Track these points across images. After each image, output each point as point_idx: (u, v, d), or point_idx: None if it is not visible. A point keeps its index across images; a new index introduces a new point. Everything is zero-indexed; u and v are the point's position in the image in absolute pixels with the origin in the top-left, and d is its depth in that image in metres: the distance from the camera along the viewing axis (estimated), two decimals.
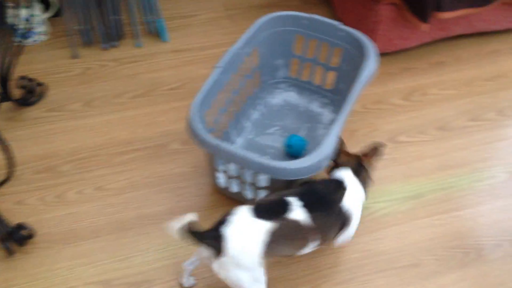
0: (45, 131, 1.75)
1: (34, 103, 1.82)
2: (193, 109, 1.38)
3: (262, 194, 1.46)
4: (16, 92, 1.80)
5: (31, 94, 1.82)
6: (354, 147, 1.71)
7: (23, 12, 1.94)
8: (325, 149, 1.31)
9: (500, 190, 1.64)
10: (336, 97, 1.82)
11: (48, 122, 1.78)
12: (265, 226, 1.18)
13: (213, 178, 1.55)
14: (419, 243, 1.49)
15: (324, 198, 1.29)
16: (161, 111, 1.82)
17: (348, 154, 1.41)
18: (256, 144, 1.70)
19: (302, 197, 1.25)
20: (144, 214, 1.54)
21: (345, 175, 1.35)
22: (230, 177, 1.48)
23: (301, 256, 1.41)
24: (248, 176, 1.43)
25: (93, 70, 1.95)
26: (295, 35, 1.75)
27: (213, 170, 1.51)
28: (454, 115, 1.86)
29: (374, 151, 1.42)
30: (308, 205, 1.24)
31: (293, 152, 1.65)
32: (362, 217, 1.54)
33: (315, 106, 1.84)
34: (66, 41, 2.03)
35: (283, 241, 1.21)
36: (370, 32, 1.95)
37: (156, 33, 2.09)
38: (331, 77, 1.82)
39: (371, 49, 1.62)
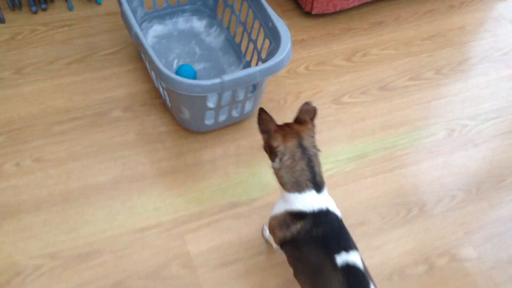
0: None
1: None
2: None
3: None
4: None
5: None
6: None
7: None
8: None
9: (440, 147, 1.70)
10: (195, 5, 1.89)
11: None
12: None
13: (201, 122, 1.56)
14: (365, 202, 1.53)
15: (341, 231, 1.13)
16: (99, 78, 1.74)
17: (284, 135, 1.14)
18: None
19: (336, 250, 1.08)
20: (88, 184, 1.49)
21: (319, 199, 1.13)
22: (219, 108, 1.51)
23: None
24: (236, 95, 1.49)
25: (22, 35, 1.83)
26: None
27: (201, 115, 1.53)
28: (394, 75, 1.89)
29: (310, 112, 1.19)
30: (345, 248, 1.09)
31: None
32: None
33: (181, 24, 1.87)
34: None
35: None
36: None
37: None
38: None
39: None
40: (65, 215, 1.42)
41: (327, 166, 1.60)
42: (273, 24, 1.52)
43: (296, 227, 1.12)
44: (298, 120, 1.18)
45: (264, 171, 1.57)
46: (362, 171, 1.61)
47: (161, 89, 1.62)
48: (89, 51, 1.81)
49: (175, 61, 1.75)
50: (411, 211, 1.53)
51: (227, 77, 1.35)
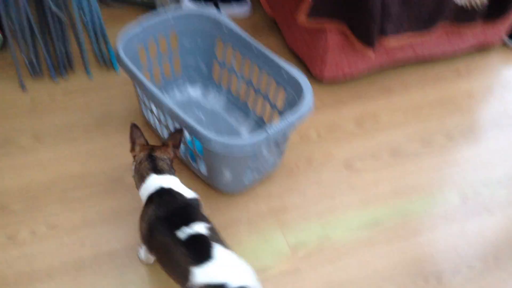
0: None
1: None
2: None
3: None
4: None
5: None
6: (312, 177, 1.75)
7: None
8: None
9: (455, 214, 1.69)
10: (187, 75, 1.96)
11: None
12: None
13: (241, 182, 1.52)
14: (381, 271, 1.51)
15: (185, 208, 1.29)
16: (115, 144, 1.77)
17: (142, 149, 1.39)
18: None
19: (177, 226, 1.22)
20: (101, 252, 1.49)
21: (160, 179, 1.32)
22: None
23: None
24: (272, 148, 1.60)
25: (42, 102, 1.89)
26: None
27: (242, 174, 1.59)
28: (405, 140, 1.91)
29: (176, 138, 1.41)
30: (185, 223, 1.23)
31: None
32: (323, 246, 1.56)
33: (178, 96, 1.93)
34: (13, 73, 1.96)
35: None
36: (319, 60, 2.00)
37: (106, 64, 2.04)
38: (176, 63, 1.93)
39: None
40: (77, 284, 1.42)
41: (340, 233, 1.60)
42: (288, 73, 1.60)
43: (148, 214, 1.28)
44: (163, 143, 1.41)
45: (277, 238, 1.57)
46: (376, 238, 1.60)
47: (193, 162, 1.65)
48: (106, 118, 1.85)
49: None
50: (428, 282, 1.50)
51: (272, 129, 1.42)
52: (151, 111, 1.69)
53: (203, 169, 1.64)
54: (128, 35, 1.68)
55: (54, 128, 1.81)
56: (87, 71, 1.99)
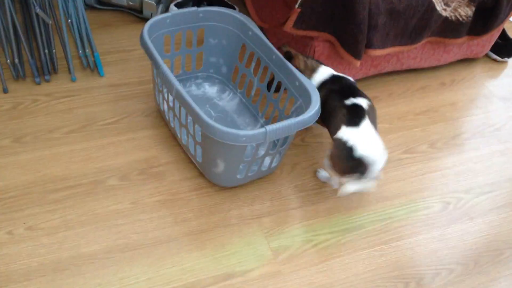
0: None
1: None
2: None
3: None
4: None
5: None
6: (295, 182, 1.74)
7: None
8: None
9: (436, 220, 1.70)
10: (207, 72, 2.02)
11: None
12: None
13: (233, 176, 1.51)
14: (362, 275, 1.51)
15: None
16: (97, 147, 1.76)
17: (302, 61, 1.72)
18: None
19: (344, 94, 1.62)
20: (80, 254, 1.47)
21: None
22: None
23: None
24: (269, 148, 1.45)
25: (24, 105, 1.87)
26: None
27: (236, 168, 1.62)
28: (389, 148, 1.91)
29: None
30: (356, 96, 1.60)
31: None
32: (305, 249, 1.56)
33: (195, 90, 1.97)
34: None
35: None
36: None
37: (91, 68, 2.04)
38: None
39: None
40: (55, 285, 1.39)
41: (322, 237, 1.59)
42: (300, 83, 1.64)
43: (324, 91, 1.66)
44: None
45: (259, 241, 1.56)
46: (358, 242, 1.59)
47: (192, 146, 1.67)
48: (89, 121, 1.84)
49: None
50: (408, 285, 1.50)
51: (270, 127, 1.45)
52: (163, 99, 1.74)
53: (199, 156, 1.66)
54: (155, 20, 1.73)
55: (36, 130, 1.79)
56: (71, 74, 1.98)
